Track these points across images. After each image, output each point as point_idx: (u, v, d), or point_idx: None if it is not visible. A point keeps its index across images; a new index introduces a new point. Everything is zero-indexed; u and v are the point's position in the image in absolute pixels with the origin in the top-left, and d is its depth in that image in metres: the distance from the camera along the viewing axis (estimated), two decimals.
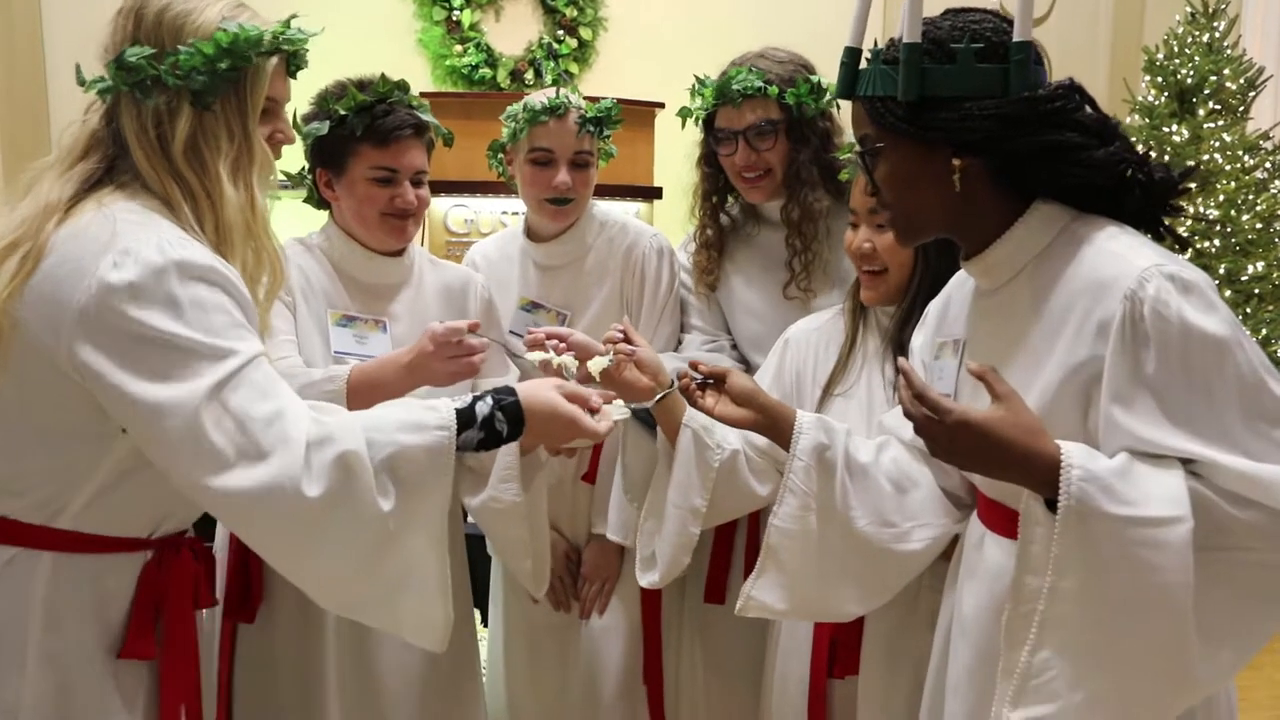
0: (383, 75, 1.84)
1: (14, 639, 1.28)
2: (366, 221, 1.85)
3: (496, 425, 1.35)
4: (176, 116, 1.31)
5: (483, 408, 1.34)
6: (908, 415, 1.22)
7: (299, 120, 1.84)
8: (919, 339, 1.55)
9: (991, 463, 1.20)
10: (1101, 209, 1.29)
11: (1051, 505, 1.17)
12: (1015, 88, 1.24)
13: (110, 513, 1.32)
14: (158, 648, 1.36)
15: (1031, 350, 1.27)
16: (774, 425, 1.59)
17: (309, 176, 1.90)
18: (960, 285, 1.48)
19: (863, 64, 1.33)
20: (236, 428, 1.20)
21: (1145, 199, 1.28)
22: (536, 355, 1.69)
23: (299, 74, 1.44)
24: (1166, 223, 1.32)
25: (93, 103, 1.36)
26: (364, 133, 1.79)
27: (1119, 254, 1.23)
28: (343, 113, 1.79)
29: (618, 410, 1.66)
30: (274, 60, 1.35)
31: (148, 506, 1.35)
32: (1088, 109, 1.28)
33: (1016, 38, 1.24)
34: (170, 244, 1.24)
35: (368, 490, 1.23)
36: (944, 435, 1.19)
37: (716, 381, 1.62)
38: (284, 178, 1.93)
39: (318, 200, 1.92)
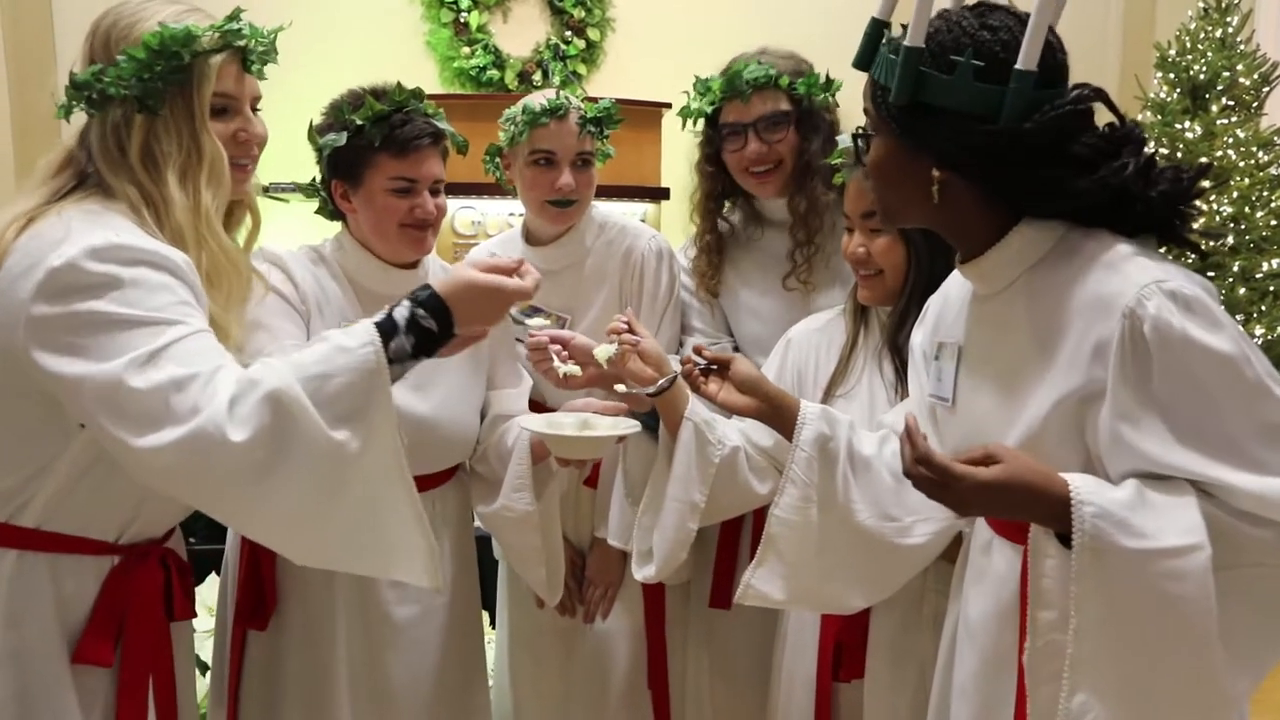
0: (398, 84, 1.80)
1: None
2: (385, 233, 1.80)
3: (422, 323, 1.32)
4: (130, 125, 1.33)
5: (400, 312, 1.32)
6: (908, 475, 1.19)
7: (313, 131, 1.82)
8: (919, 336, 1.54)
9: (1001, 510, 1.21)
10: (1103, 221, 1.25)
11: (1062, 539, 1.15)
12: (1008, 116, 1.17)
13: (74, 512, 1.34)
14: (117, 656, 1.36)
15: (1025, 370, 1.25)
16: (777, 414, 1.58)
17: (322, 188, 1.86)
18: (960, 285, 1.46)
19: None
20: (170, 388, 1.19)
21: (1149, 211, 1.24)
22: (538, 321, 1.67)
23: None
24: (1178, 227, 1.27)
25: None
26: (382, 143, 1.75)
27: (1117, 269, 1.19)
28: (360, 123, 1.75)
29: (625, 424, 1.65)
30: (219, 58, 1.35)
31: (112, 508, 1.36)
32: (1098, 117, 1.23)
33: (1019, 65, 1.17)
34: (118, 232, 1.26)
35: (313, 421, 1.21)
36: (953, 497, 1.18)
37: (720, 368, 1.61)
38: (294, 186, 1.92)
39: (330, 211, 1.88)
